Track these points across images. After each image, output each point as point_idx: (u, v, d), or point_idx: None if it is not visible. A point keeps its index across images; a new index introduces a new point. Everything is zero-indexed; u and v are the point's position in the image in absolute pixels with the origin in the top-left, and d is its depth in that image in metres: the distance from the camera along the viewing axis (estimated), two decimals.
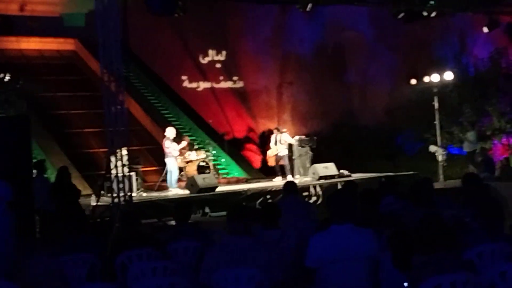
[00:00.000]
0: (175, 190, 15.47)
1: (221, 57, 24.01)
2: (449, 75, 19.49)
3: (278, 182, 16.37)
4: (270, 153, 18.02)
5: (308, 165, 17.44)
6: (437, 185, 14.73)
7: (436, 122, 19.36)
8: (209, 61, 23.91)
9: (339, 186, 15.54)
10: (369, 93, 24.88)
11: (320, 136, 20.55)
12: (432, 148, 19.24)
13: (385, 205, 6.91)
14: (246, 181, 18.48)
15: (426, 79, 19.57)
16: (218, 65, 23.98)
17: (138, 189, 15.30)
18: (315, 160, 17.53)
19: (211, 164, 17.00)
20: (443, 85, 19.81)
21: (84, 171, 17.45)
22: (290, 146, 17.61)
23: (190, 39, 23.40)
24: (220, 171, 19.12)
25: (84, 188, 15.79)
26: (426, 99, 20.26)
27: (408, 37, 23.44)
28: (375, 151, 21.55)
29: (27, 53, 22.52)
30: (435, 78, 19.40)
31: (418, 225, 4.55)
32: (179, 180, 16.15)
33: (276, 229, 6.29)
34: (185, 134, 18.99)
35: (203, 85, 23.70)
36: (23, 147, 11.04)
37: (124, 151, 12.71)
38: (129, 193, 12.55)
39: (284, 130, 18.22)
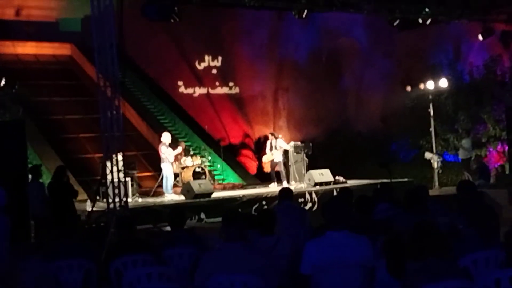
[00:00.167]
0: (171, 196, 15.46)
1: (217, 63, 24.04)
2: (444, 83, 19.54)
3: (273, 188, 16.38)
4: (265, 159, 18.04)
5: (303, 171, 17.46)
6: (432, 192, 14.76)
7: (432, 129, 19.41)
8: (205, 67, 23.94)
9: (335, 193, 15.55)
10: (364, 100, 24.93)
11: (315, 142, 20.58)
12: (428, 155, 19.29)
13: (380, 212, 6.93)
14: (242, 187, 18.49)
15: (421, 86, 19.63)
16: (214, 71, 24.01)
17: (133, 195, 15.28)
18: (311, 166, 17.55)
19: (206, 170, 17.00)
20: (438, 92, 19.87)
21: (80, 176, 17.43)
22: (285, 152, 17.62)
23: (186, 45, 23.42)
24: (215, 177, 19.12)
25: (79, 193, 15.76)
26: (421, 106, 20.32)
27: (403, 44, 23.51)
28: (370, 158, 21.57)
29: (23, 57, 22.51)
30: (430, 85, 19.45)
31: (411, 232, 4.56)
32: (175, 185, 16.13)
33: (272, 236, 6.29)
34: (181, 139, 18.98)
35: (199, 90, 23.72)
36: (18, 152, 11.06)
37: (120, 157, 12.70)
38: (124, 199, 12.54)
39: (280, 136, 18.25)
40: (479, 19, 19.35)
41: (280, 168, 17.15)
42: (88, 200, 14.41)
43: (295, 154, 17.81)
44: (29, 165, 12.44)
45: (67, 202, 11.61)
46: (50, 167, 16.19)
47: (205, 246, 6.53)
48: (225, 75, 24.09)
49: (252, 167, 22.38)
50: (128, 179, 14.11)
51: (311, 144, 18.45)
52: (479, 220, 5.20)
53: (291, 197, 8.96)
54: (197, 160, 16.92)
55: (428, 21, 17.95)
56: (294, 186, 16.68)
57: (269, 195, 15.20)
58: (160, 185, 16.29)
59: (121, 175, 12.59)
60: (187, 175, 16.30)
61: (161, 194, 16.10)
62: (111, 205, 12.38)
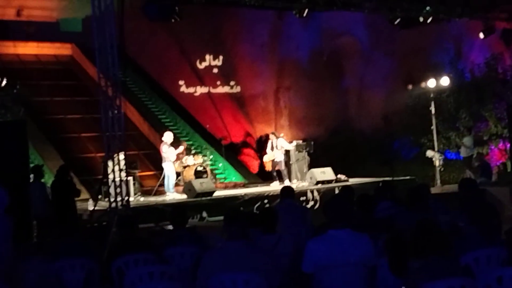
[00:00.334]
0: (173, 195, 15.47)
1: (218, 62, 24.04)
2: (445, 81, 19.52)
3: (275, 186, 16.38)
4: (266, 158, 18.04)
5: (305, 170, 17.45)
6: (434, 190, 14.76)
7: (433, 127, 19.40)
8: (206, 66, 23.94)
9: (337, 191, 15.55)
10: (365, 99, 24.93)
11: (317, 141, 20.59)
12: (429, 153, 19.28)
13: (382, 210, 6.94)
14: (243, 185, 18.49)
15: (423, 84, 19.61)
16: (215, 70, 24.01)
17: (135, 194, 15.30)
18: (312, 165, 17.55)
19: (208, 169, 17.00)
20: (439, 90, 19.85)
21: (81, 175, 17.44)
22: (287, 151, 17.62)
23: (187, 44, 23.43)
24: (217, 176, 19.12)
25: (81, 192, 15.78)
26: (423, 105, 20.32)
27: (404, 42, 23.49)
28: (372, 156, 21.58)
29: (24, 58, 22.53)
30: (431, 83, 19.44)
31: (413, 230, 4.56)
32: (177, 184, 16.15)
33: (274, 234, 6.29)
34: (182, 139, 19.00)
35: (200, 90, 23.72)
36: (20, 152, 11.04)
37: (121, 156, 12.71)
38: (126, 198, 12.55)
39: (281, 135, 18.24)
40: (480, 17, 19.33)
41: (281, 167, 17.16)
42: (90, 199, 14.43)
43: (296, 152, 17.81)
44: (31, 165, 12.44)
45: (69, 201, 11.62)
46: (52, 167, 16.22)
47: (207, 245, 6.54)
48: (226, 74, 24.09)
49: (254, 165, 22.39)
50: (130, 178, 14.14)
51: (312, 143, 18.45)
52: (481, 218, 5.21)
53: (292, 195, 8.96)
54: (199, 159, 16.93)
55: (429, 20, 17.94)
56: (296, 184, 16.69)
57: (271, 194, 15.21)
58: (162, 184, 16.31)
59: (123, 174, 12.59)
60: (189, 174, 16.31)
61: (162, 193, 16.12)
62: (113, 204, 12.38)
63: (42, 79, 21.67)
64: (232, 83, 24.16)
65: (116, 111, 12.53)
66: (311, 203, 15.91)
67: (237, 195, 15.36)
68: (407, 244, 4.73)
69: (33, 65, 22.37)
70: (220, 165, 19.93)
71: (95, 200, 13.40)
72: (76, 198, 12.19)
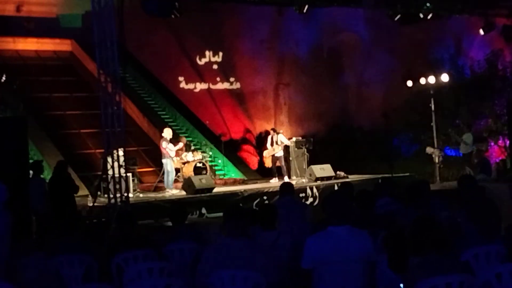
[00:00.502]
0: (172, 191, 15.48)
1: (218, 58, 24.02)
2: (445, 77, 19.51)
3: (274, 183, 16.39)
4: (266, 154, 18.05)
5: (304, 166, 17.46)
6: (433, 187, 14.72)
7: (433, 123, 19.39)
8: (206, 62, 23.91)
9: (336, 188, 15.56)
10: (365, 95, 24.90)
11: (316, 137, 20.60)
12: (429, 150, 19.28)
13: (381, 207, 6.93)
14: (243, 182, 18.49)
15: (423, 81, 19.59)
16: (215, 66, 23.99)
17: (134, 190, 15.30)
18: (312, 161, 17.56)
19: (208, 165, 17.01)
20: (439, 86, 19.84)
21: (81, 172, 17.44)
22: (286, 147, 17.63)
23: (186, 40, 23.40)
24: (217, 172, 19.12)
25: (81, 188, 15.78)
26: (423, 101, 20.30)
27: (404, 39, 23.47)
28: (371, 153, 21.57)
29: (23, 53, 22.49)
30: (431, 80, 19.43)
31: (412, 227, 4.56)
32: (176, 181, 16.16)
33: (273, 231, 6.29)
34: (181, 135, 18.99)
35: (200, 86, 23.70)
36: (19, 148, 11.05)
37: (121, 152, 12.72)
38: (125, 194, 12.57)
39: (280, 131, 18.24)
40: (480, 13, 19.34)
41: (281, 163, 17.17)
42: (89, 196, 14.43)
43: (296, 149, 17.82)
44: (30, 161, 12.43)
45: (67, 197, 11.61)
46: (51, 163, 16.18)
47: (206, 241, 6.53)
48: (226, 70, 24.07)
49: (253, 162, 22.39)
50: (129, 174, 14.14)
51: (312, 139, 18.46)
52: (480, 214, 5.20)
53: (292, 192, 8.97)
54: (198, 155, 16.93)
55: (429, 16, 17.94)
56: (295, 181, 16.69)
57: (270, 190, 15.21)
58: (161, 181, 16.31)
59: (122, 170, 12.60)
60: (188, 170, 16.31)
61: (162, 189, 16.12)
62: (112, 201, 12.40)
63: (41, 75, 21.65)
64: (231, 79, 24.14)
65: (115, 107, 12.55)
66: (310, 199, 15.92)
67: (237, 192, 15.37)
68: (406, 240, 4.72)
69: (33, 61, 22.35)
70: (220, 161, 19.92)
71: (94, 196, 13.40)
72: (75, 195, 12.17)
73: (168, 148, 15.54)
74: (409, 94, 21.37)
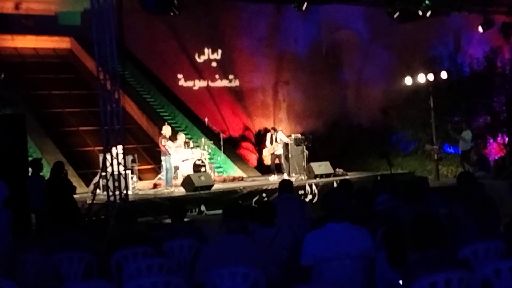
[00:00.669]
0: (171, 188, 15.49)
1: (217, 55, 24.00)
2: (444, 74, 19.50)
3: (273, 180, 16.40)
4: (265, 152, 18.07)
5: (303, 163, 17.47)
6: (432, 184, 14.72)
7: (432, 121, 19.39)
8: (205, 60, 23.89)
9: (335, 185, 15.58)
10: (364, 92, 24.90)
11: (315, 134, 20.60)
12: (428, 147, 19.29)
13: (380, 203, 6.94)
14: (242, 179, 18.50)
15: (422, 78, 19.58)
16: (213, 64, 23.97)
17: (133, 187, 15.30)
18: (311, 158, 17.57)
19: (207, 162, 17.01)
20: (438, 84, 19.83)
21: (80, 169, 17.45)
22: (285, 145, 17.64)
23: (185, 38, 23.38)
24: (216, 170, 19.12)
25: (79, 186, 15.78)
26: (421, 98, 20.30)
27: (403, 36, 23.44)
28: (370, 150, 21.58)
29: (22, 51, 22.47)
30: (430, 77, 19.42)
31: (411, 223, 4.57)
32: (175, 178, 16.15)
33: (272, 227, 6.30)
34: (180, 132, 18.95)
35: (199, 83, 23.69)
36: (18, 145, 11.05)
37: (120, 149, 12.71)
38: (124, 191, 12.56)
39: (280, 129, 18.25)
40: (479, 10, 19.31)
41: (281, 160, 17.18)
42: (88, 193, 14.43)
43: (295, 146, 17.84)
44: (29, 159, 12.43)
45: (66, 198, 11.58)
46: (50, 160, 16.20)
47: (206, 238, 6.54)
48: (225, 68, 24.05)
49: (252, 159, 22.39)
50: (128, 172, 14.14)
51: (311, 137, 18.47)
52: (479, 211, 5.22)
53: (291, 189, 8.97)
54: (197, 153, 16.93)
55: (428, 13, 17.90)
56: (294, 178, 16.70)
57: (269, 187, 15.23)
58: (160, 178, 16.30)
59: (121, 168, 12.60)
60: (187, 168, 16.31)
61: (161, 186, 16.12)
62: (111, 198, 12.39)
63: (40, 72, 21.63)
64: (230, 76, 24.12)
65: (114, 105, 12.53)
66: (310, 197, 15.94)
67: (236, 189, 15.38)
68: (405, 237, 4.73)
69: (32, 59, 22.33)
70: (219, 158, 19.93)
71: (93, 194, 13.40)
72: (74, 195, 12.16)
73: (167, 145, 15.55)
74: (408, 92, 21.37)
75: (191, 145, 17.36)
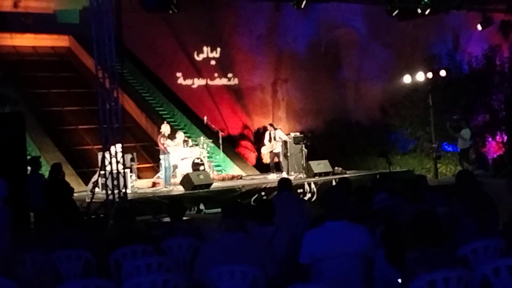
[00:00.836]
0: (170, 187, 15.48)
1: (216, 54, 23.99)
2: (443, 73, 19.51)
3: (272, 179, 16.39)
4: (264, 150, 18.05)
5: (302, 162, 17.47)
6: (431, 182, 14.76)
7: (431, 119, 19.40)
8: (204, 58, 23.89)
9: (334, 183, 15.57)
10: (363, 90, 24.91)
11: (314, 133, 20.62)
12: (427, 145, 19.30)
13: (379, 202, 6.94)
14: (241, 178, 18.49)
15: (420, 76, 19.58)
16: (212, 62, 23.97)
17: (132, 186, 15.29)
18: (310, 157, 17.56)
19: (206, 161, 17.00)
20: (437, 82, 19.84)
21: (79, 167, 17.44)
22: (284, 143, 17.64)
23: (184, 36, 23.37)
24: (215, 168, 19.11)
25: (78, 184, 15.79)
26: (420, 97, 20.31)
27: (402, 34, 23.46)
28: (369, 148, 21.59)
29: (21, 49, 22.46)
30: (429, 75, 19.43)
31: (410, 221, 4.57)
32: (174, 176, 16.14)
33: (271, 226, 6.30)
34: (179, 131, 18.95)
35: (198, 82, 23.69)
36: (17, 144, 11.05)
37: (119, 148, 12.70)
38: (123, 190, 12.55)
39: (279, 127, 18.24)
40: (478, 8, 19.32)
41: (279, 158, 17.17)
42: (87, 192, 14.42)
43: (294, 145, 17.83)
44: (28, 157, 12.43)
45: (64, 199, 11.57)
46: (49, 159, 16.24)
47: (204, 236, 6.54)
48: (224, 66, 24.05)
49: (251, 158, 22.39)
50: (127, 170, 14.12)
51: (310, 135, 18.46)
52: (478, 209, 5.21)
53: (290, 187, 8.96)
54: (196, 151, 16.92)
55: (427, 11, 17.90)
56: (293, 176, 16.70)
57: (268, 186, 15.22)
58: (159, 176, 16.29)
59: (120, 166, 12.59)
60: (186, 166, 16.30)
61: (160, 185, 16.11)
62: (110, 197, 12.38)
63: (39, 71, 21.62)
64: (229, 75, 24.12)
65: (113, 103, 12.51)
66: (308, 195, 15.93)
67: (235, 187, 15.38)
68: (404, 235, 4.73)
69: (30, 57, 22.32)
70: (218, 157, 19.92)
71: (92, 192, 13.39)
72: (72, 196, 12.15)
73: (166, 144, 15.55)
74: (407, 90, 21.38)
75: (190, 143, 17.36)
